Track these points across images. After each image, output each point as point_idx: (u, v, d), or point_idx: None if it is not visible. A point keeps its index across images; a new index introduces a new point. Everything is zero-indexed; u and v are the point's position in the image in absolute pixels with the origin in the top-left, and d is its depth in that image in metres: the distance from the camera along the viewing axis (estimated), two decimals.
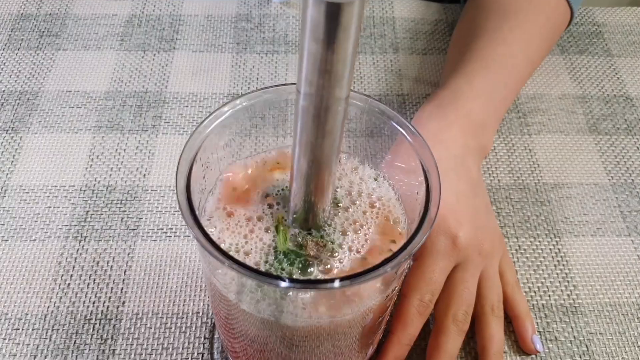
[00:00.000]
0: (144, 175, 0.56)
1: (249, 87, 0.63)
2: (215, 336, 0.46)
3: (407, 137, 0.32)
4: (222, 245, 0.31)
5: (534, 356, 0.47)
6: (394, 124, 0.33)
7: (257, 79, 0.64)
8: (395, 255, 0.27)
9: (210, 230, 0.32)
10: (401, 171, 0.34)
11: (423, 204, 0.29)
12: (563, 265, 0.52)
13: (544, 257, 0.52)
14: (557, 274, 0.51)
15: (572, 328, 0.48)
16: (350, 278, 0.26)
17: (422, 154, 0.31)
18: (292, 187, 0.30)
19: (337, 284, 0.26)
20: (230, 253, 0.31)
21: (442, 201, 0.47)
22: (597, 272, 0.51)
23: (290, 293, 0.29)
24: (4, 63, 0.64)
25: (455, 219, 0.46)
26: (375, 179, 0.35)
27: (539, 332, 0.48)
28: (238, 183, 0.34)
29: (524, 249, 0.52)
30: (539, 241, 0.53)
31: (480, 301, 0.47)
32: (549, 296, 0.50)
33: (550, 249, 0.52)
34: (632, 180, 0.57)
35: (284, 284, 0.26)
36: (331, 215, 0.33)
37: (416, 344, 0.45)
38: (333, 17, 0.22)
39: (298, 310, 0.30)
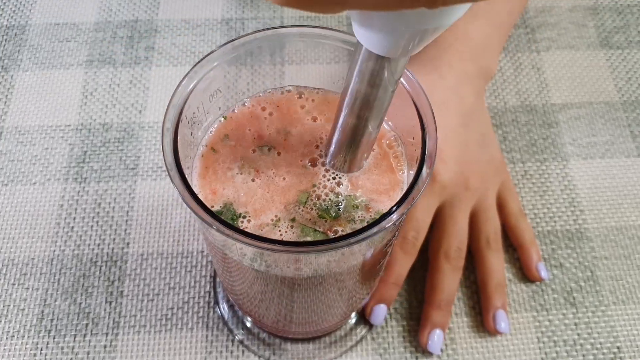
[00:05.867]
0: (140, 111, 0.54)
1: (243, 12, 0.60)
2: (217, 280, 0.47)
3: (404, 83, 0.30)
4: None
5: (538, 283, 0.47)
6: None
7: (251, 2, 0.61)
8: (389, 212, 0.26)
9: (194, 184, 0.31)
10: (399, 115, 0.32)
11: (420, 154, 0.28)
12: (570, 189, 0.51)
13: (550, 182, 0.51)
14: (563, 198, 0.50)
15: (577, 254, 0.48)
16: (348, 237, 0.26)
17: (419, 103, 0.29)
18: (336, 134, 0.29)
19: (333, 244, 0.26)
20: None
21: None
22: (605, 196, 0.51)
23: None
24: None
25: (438, 157, 0.45)
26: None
27: (544, 258, 0.48)
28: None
29: (530, 174, 0.51)
30: (546, 165, 0.52)
31: (475, 236, 0.47)
32: (555, 222, 0.49)
33: (557, 173, 0.51)
34: None
35: (282, 248, 0.26)
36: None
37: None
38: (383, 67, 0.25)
39: (299, 265, 0.30)
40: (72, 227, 0.49)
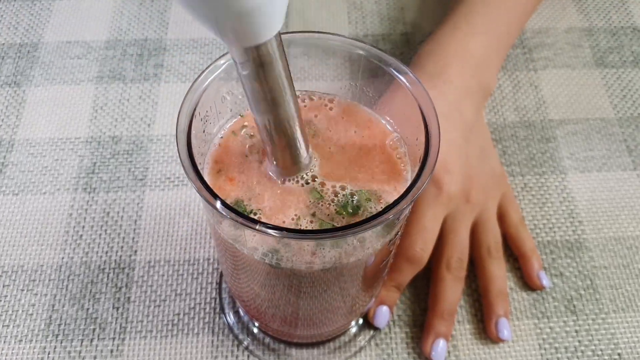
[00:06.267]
0: (149, 124, 0.56)
1: None
2: (223, 286, 0.48)
3: (407, 84, 0.31)
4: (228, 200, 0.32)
5: (539, 292, 0.48)
6: (393, 70, 0.32)
7: None
8: (396, 202, 0.28)
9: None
10: (401, 116, 0.34)
11: (423, 150, 0.29)
12: (568, 201, 0.52)
13: (549, 194, 0.52)
14: (562, 210, 0.51)
15: (576, 263, 0.49)
16: (353, 226, 0.27)
17: (421, 100, 0.31)
18: (264, 141, 0.30)
19: (338, 233, 0.27)
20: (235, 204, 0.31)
21: None
22: (603, 207, 0.52)
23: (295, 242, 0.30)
24: (1, 15, 0.64)
25: (443, 169, 0.46)
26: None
27: (544, 268, 0.49)
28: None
29: (530, 187, 0.53)
30: (545, 178, 0.53)
31: (477, 246, 0.48)
32: (555, 232, 0.50)
33: (555, 186, 0.53)
34: (639, 114, 0.57)
35: (289, 235, 0.27)
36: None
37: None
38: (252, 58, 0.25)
39: (313, 258, 0.31)
40: (81, 235, 0.50)
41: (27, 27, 0.63)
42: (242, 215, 0.27)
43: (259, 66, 0.26)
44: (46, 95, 0.58)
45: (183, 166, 0.29)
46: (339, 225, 0.31)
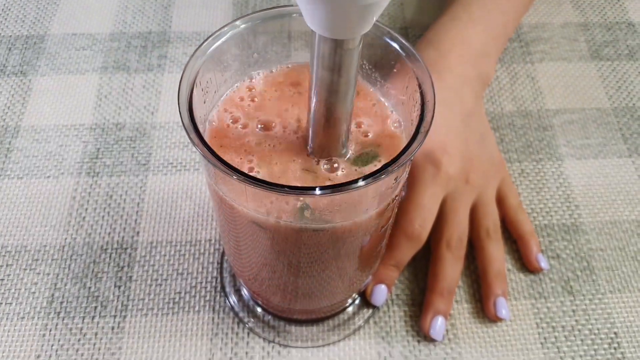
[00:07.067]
0: (152, 113, 0.57)
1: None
2: (225, 266, 0.48)
3: (406, 60, 0.32)
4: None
5: (538, 273, 0.48)
6: (387, 39, 0.33)
7: None
8: (394, 159, 0.28)
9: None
10: (400, 98, 0.35)
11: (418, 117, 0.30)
12: (565, 187, 0.53)
13: (546, 180, 0.53)
14: (559, 195, 0.52)
15: (573, 245, 0.50)
16: (351, 183, 0.28)
17: (416, 70, 0.32)
18: (310, 122, 0.31)
19: (336, 189, 0.28)
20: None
21: (432, 134, 0.49)
22: (599, 193, 0.52)
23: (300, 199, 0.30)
24: (9, 8, 0.65)
25: (442, 150, 0.47)
26: (374, 104, 0.36)
27: (542, 250, 0.49)
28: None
29: (527, 173, 0.53)
30: (542, 165, 0.54)
31: (476, 227, 0.48)
32: (551, 216, 0.51)
33: (552, 172, 0.53)
34: (633, 104, 0.58)
35: (291, 191, 0.28)
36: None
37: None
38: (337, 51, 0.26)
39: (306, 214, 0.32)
40: (84, 217, 0.51)
41: (34, 19, 0.64)
42: (234, 168, 0.28)
43: (341, 58, 0.27)
44: (51, 84, 0.59)
45: (182, 120, 0.29)
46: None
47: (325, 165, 0.32)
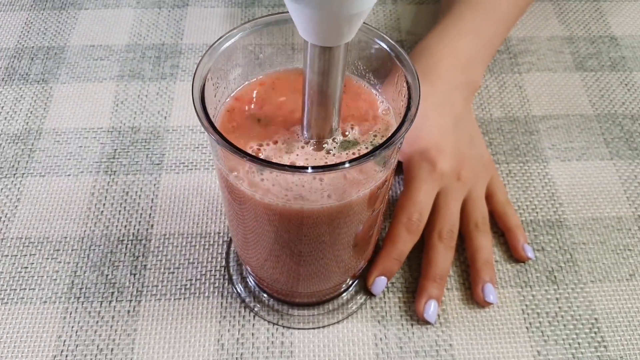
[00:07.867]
0: (165, 117, 0.61)
1: (260, 38, 0.68)
2: (232, 256, 0.52)
3: (395, 60, 0.36)
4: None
5: (523, 264, 0.52)
6: (378, 40, 0.37)
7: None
8: (384, 143, 0.32)
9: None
10: (393, 96, 0.39)
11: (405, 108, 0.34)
12: (550, 186, 0.56)
13: (532, 180, 0.57)
14: (544, 194, 0.56)
15: (557, 239, 0.53)
16: (346, 162, 0.31)
17: (404, 68, 0.36)
18: (305, 112, 0.35)
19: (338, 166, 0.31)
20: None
21: (426, 134, 0.53)
22: (582, 192, 0.56)
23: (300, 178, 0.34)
24: (32, 22, 0.70)
25: (436, 149, 0.51)
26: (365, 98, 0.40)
27: (528, 242, 0.53)
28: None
29: (514, 173, 0.57)
30: (528, 166, 0.58)
31: (466, 220, 0.52)
32: (537, 213, 0.55)
33: (538, 173, 0.57)
34: (615, 111, 0.62)
35: (291, 169, 0.32)
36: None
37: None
38: (325, 56, 0.31)
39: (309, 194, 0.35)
40: (102, 212, 0.54)
41: (55, 32, 0.69)
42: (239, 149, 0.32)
43: (327, 63, 0.31)
44: (71, 91, 0.63)
45: (199, 117, 0.33)
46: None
47: (318, 152, 0.36)
